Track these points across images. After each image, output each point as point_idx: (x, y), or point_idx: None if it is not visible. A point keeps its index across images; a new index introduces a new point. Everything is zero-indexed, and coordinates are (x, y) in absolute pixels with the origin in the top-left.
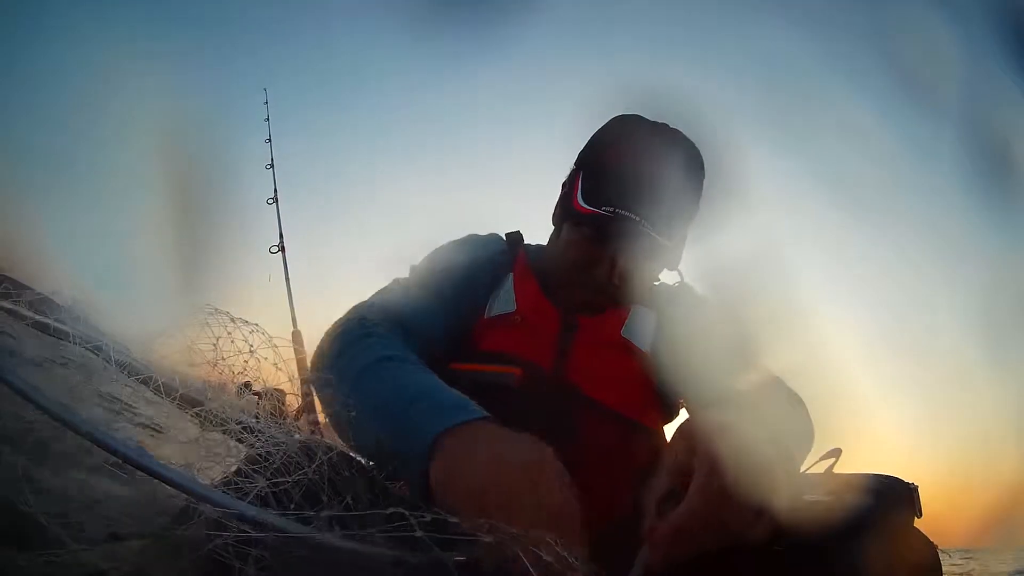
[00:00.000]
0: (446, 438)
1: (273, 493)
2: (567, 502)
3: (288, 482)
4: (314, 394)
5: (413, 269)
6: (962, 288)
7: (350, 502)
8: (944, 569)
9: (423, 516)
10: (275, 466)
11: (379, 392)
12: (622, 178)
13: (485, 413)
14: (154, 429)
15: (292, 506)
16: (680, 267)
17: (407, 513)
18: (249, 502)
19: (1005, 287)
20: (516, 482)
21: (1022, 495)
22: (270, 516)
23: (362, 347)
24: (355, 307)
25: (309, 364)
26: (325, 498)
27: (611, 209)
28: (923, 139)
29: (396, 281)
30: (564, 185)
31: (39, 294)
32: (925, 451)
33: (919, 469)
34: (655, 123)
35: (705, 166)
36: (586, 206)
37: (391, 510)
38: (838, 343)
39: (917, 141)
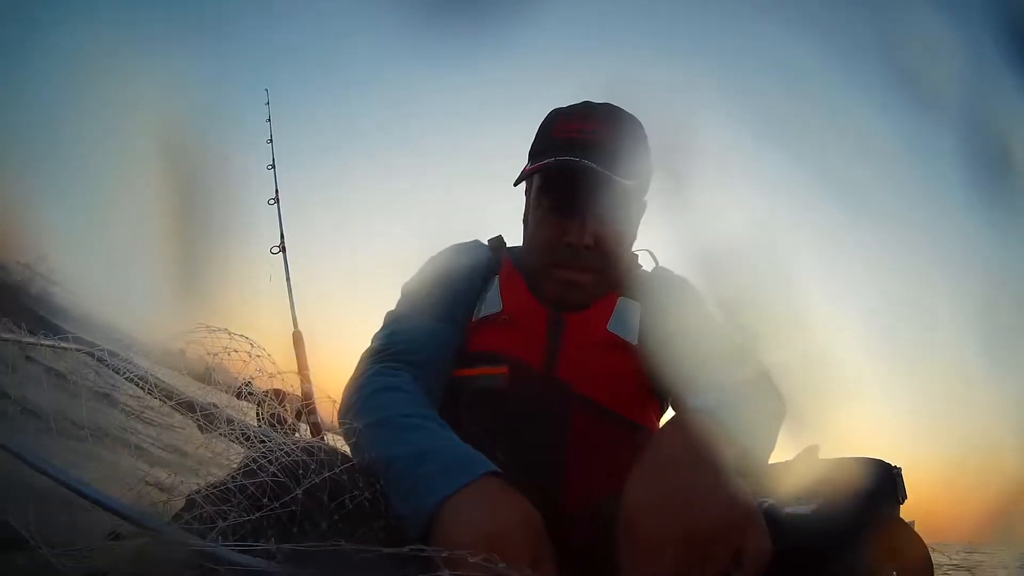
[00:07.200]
0: (446, 502)
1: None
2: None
3: (256, 517)
4: (314, 397)
5: (404, 292)
6: (962, 287)
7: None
8: (948, 564)
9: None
10: (267, 476)
11: (392, 449)
12: (559, 135)
13: (489, 468)
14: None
15: (271, 533)
16: (657, 253)
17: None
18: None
19: (1005, 286)
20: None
21: (1021, 492)
22: (229, 554)
23: (378, 404)
24: (367, 355)
25: (336, 409)
26: (296, 529)
27: (552, 158)
28: (923, 139)
29: (391, 315)
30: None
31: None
32: (925, 447)
33: (919, 466)
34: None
35: (648, 133)
36: (532, 166)
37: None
38: (837, 340)
39: (917, 141)
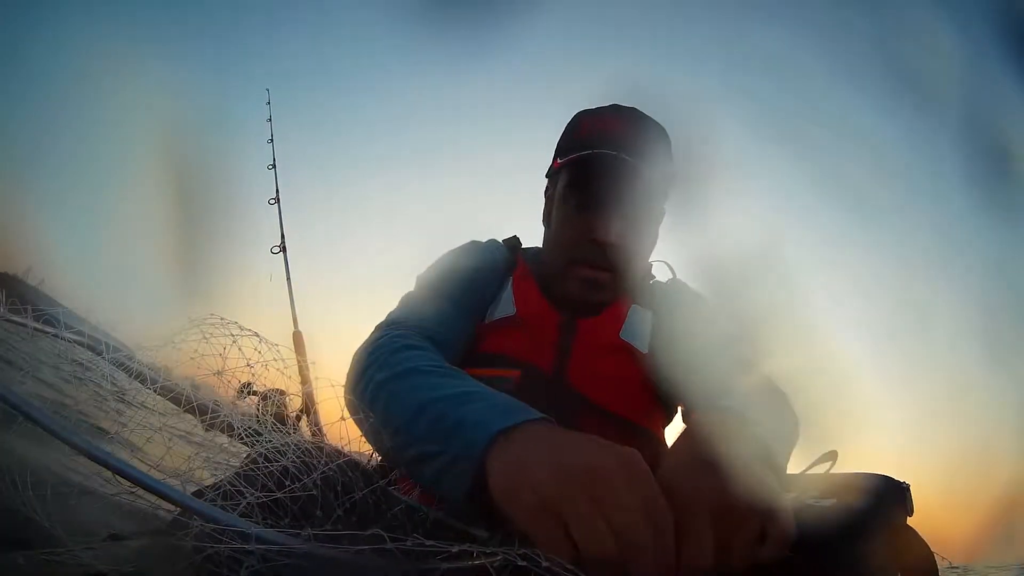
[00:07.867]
0: (508, 433)
1: (272, 499)
2: (657, 494)
3: (279, 495)
4: (315, 399)
5: (420, 280)
6: (961, 289)
7: (339, 511)
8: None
9: (415, 535)
10: (276, 468)
11: (426, 393)
12: (590, 132)
13: (546, 416)
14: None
15: (286, 521)
16: (672, 264)
17: (387, 535)
18: (245, 508)
19: (1005, 288)
20: (600, 470)
21: (1021, 505)
22: (260, 531)
23: (404, 357)
24: (382, 325)
25: (344, 382)
26: (319, 512)
27: (587, 152)
28: (923, 139)
29: (407, 296)
30: (547, 190)
31: (45, 298)
32: (924, 455)
33: (919, 472)
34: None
35: (672, 141)
36: (563, 160)
37: (371, 531)
38: (837, 343)
39: (917, 141)
